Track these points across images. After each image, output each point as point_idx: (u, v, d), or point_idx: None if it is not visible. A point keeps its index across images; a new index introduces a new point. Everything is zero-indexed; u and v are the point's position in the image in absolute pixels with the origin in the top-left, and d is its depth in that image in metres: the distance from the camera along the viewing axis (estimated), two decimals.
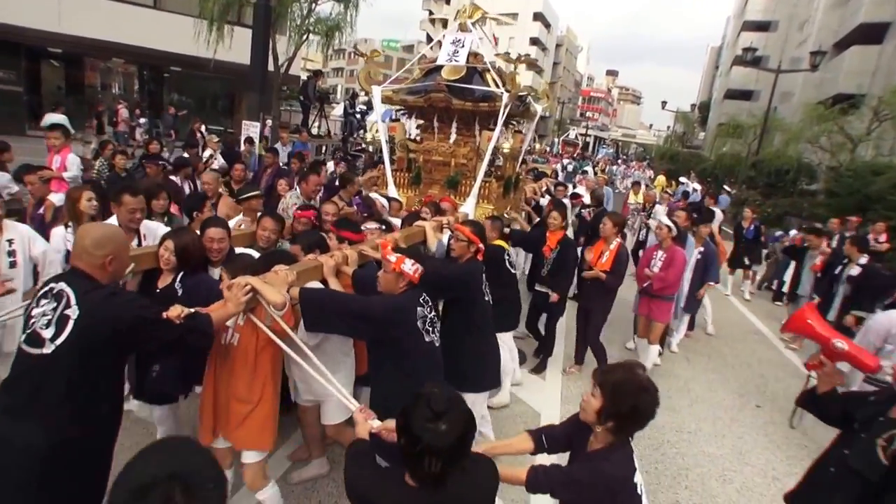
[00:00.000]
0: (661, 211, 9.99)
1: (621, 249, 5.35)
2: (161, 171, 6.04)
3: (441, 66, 5.71)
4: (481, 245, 3.74)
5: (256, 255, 3.32)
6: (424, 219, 4.86)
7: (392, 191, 5.88)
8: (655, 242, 5.76)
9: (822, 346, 2.96)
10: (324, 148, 16.82)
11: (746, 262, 9.76)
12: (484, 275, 3.74)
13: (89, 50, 19.59)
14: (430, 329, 2.90)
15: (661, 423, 4.98)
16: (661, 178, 26.44)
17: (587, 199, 8.98)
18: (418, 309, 2.82)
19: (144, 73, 22.23)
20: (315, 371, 2.62)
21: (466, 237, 3.73)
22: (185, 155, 9.82)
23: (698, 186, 20.17)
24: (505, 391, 4.79)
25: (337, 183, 8.00)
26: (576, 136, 29.17)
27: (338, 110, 24.91)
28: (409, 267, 2.83)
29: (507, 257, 4.71)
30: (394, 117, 6.30)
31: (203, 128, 15.08)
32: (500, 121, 5.31)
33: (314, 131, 18.70)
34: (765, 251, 10.54)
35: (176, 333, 2.34)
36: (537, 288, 5.67)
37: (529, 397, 5.09)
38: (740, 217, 10.49)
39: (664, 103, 40.16)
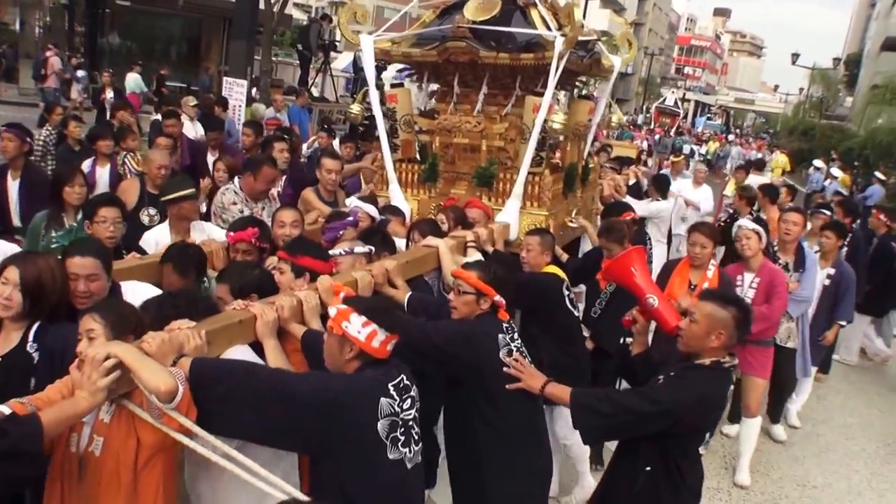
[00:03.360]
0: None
1: (724, 277, 4.88)
2: (22, 147, 5.50)
3: (463, 2, 5.10)
4: (498, 297, 3.25)
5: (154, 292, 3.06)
6: (441, 232, 4.40)
7: (396, 194, 5.27)
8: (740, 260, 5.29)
9: (638, 300, 3.42)
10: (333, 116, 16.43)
11: None
12: (509, 329, 3.30)
13: None
14: (404, 437, 2.47)
15: (780, 475, 5.31)
16: (783, 159, 25.24)
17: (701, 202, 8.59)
18: (383, 401, 2.41)
19: (76, 8, 22.03)
20: (252, 477, 2.17)
21: (473, 286, 3.23)
22: (158, 117, 9.39)
23: (839, 173, 19.15)
24: (586, 483, 4.52)
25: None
26: (675, 103, 28.13)
27: (342, 63, 24.64)
28: (358, 329, 2.41)
29: (566, 292, 4.27)
30: (396, 80, 5.70)
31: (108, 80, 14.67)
32: (553, 80, 4.67)
33: (315, 92, 18.44)
34: None
35: None
36: (584, 335, 5.12)
37: None
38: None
39: (795, 56, 38.70)
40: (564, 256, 5.21)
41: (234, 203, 5.06)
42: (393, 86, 5.46)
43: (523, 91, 5.08)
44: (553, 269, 4.39)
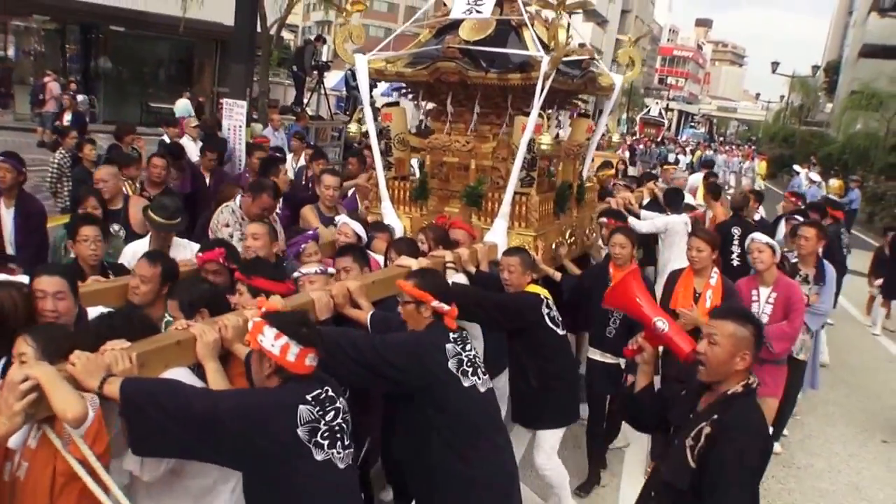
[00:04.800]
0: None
1: (727, 283, 4.75)
2: (18, 177, 5.37)
3: (458, 22, 5.02)
4: (436, 303, 3.18)
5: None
6: (419, 252, 4.29)
7: (388, 211, 5.19)
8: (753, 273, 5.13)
9: (644, 327, 3.12)
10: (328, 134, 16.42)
11: None
12: (458, 340, 3.20)
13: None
14: (329, 440, 2.41)
15: None
16: (762, 165, 25.26)
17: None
18: (301, 408, 2.35)
19: (66, 35, 22.00)
20: None
21: (409, 295, 3.21)
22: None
23: (817, 177, 19.24)
24: None
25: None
26: (660, 113, 28.10)
27: (332, 80, 24.56)
28: (272, 343, 2.35)
29: (546, 310, 4.06)
30: (385, 94, 5.65)
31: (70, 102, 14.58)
32: (538, 100, 4.57)
33: (309, 111, 18.38)
34: None
35: None
36: (595, 357, 4.95)
37: None
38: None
39: (775, 65, 38.95)
40: (557, 276, 5.07)
41: (227, 225, 4.98)
42: (388, 104, 5.39)
43: (514, 111, 4.99)
44: (534, 287, 4.19)
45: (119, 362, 2.29)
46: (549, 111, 5.21)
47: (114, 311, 2.88)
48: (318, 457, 2.36)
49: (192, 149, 9.18)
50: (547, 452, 4.17)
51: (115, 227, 5.09)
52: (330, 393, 2.45)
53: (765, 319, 4.78)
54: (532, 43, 4.79)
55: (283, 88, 24.46)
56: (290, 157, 9.12)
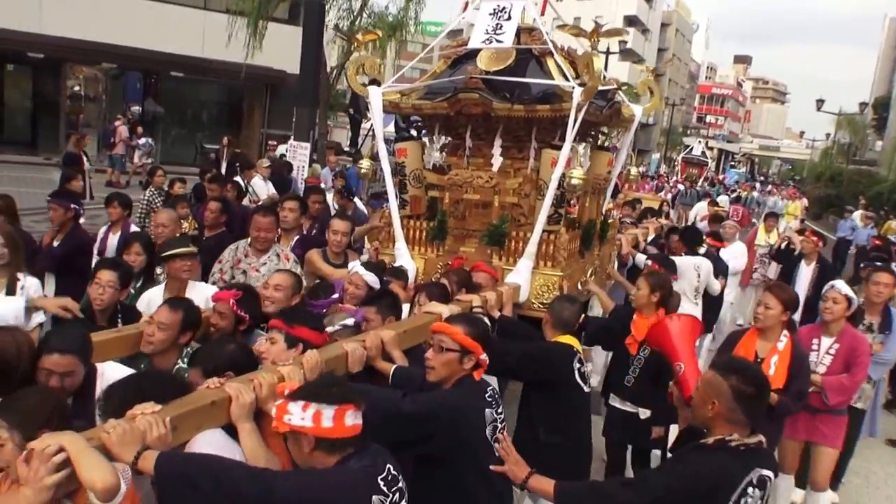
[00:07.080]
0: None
1: (797, 350, 4.17)
2: (66, 214, 5.41)
3: (476, 52, 4.67)
4: (484, 356, 2.84)
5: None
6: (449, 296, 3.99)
7: (402, 252, 4.80)
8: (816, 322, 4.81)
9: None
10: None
11: None
12: (493, 402, 2.91)
13: (73, 53, 20.39)
14: None
15: None
16: (797, 205, 24.16)
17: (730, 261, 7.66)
18: (375, 499, 2.10)
19: (121, 79, 22.88)
20: None
21: (459, 343, 2.78)
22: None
23: (860, 220, 18.24)
24: None
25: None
26: (703, 152, 27.05)
27: (385, 124, 24.80)
28: (301, 416, 2.07)
29: (577, 366, 3.69)
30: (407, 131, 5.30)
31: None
32: (571, 132, 4.22)
33: (363, 151, 18.64)
34: None
35: None
36: (616, 404, 4.58)
37: None
38: None
39: (820, 102, 37.57)
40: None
41: (235, 256, 4.83)
42: (403, 139, 5.03)
43: (539, 144, 4.65)
44: (567, 338, 3.80)
45: (153, 429, 2.10)
46: (574, 143, 4.80)
47: (142, 373, 2.77)
48: None
49: (261, 186, 9.64)
50: None
51: (159, 269, 4.87)
52: (392, 472, 2.21)
53: (821, 370, 4.46)
54: (558, 72, 4.45)
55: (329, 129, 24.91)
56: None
